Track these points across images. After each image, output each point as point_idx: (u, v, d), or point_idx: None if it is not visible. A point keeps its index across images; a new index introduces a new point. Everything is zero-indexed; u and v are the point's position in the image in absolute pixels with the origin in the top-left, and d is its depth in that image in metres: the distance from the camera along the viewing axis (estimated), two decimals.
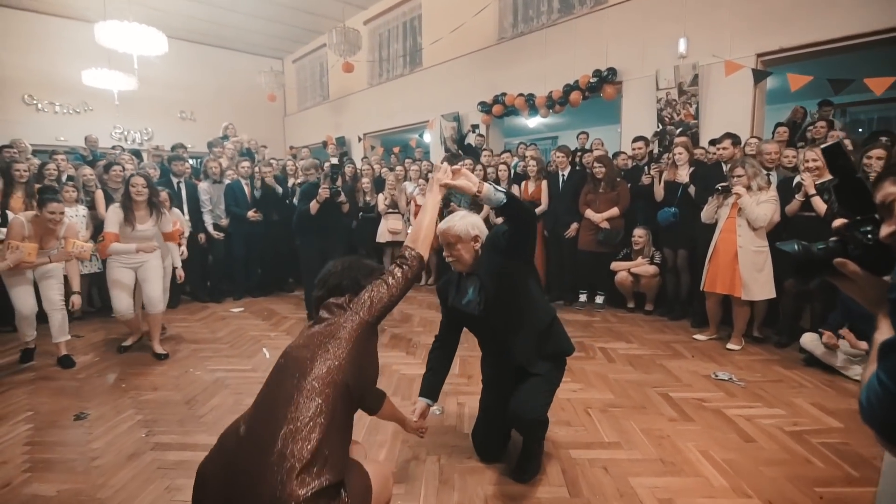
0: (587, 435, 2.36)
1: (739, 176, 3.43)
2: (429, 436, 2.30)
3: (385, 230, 5.83)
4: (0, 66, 8.46)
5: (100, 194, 4.69)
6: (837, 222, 0.97)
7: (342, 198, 4.35)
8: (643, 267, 4.42)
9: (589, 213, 4.64)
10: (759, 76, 4.89)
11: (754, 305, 3.58)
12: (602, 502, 1.84)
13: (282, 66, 12.08)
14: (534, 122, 9.70)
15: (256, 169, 5.58)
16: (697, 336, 3.85)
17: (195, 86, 10.79)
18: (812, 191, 3.30)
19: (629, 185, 4.71)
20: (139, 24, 6.12)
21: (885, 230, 0.85)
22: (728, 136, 4.00)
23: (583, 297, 4.96)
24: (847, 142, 3.75)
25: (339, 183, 4.34)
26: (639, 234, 4.45)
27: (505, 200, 1.64)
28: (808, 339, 3.19)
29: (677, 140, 4.50)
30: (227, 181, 5.47)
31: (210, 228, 5.34)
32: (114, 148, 6.42)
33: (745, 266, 3.40)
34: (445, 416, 2.57)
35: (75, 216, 4.56)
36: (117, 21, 6.04)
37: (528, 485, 1.95)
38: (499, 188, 1.65)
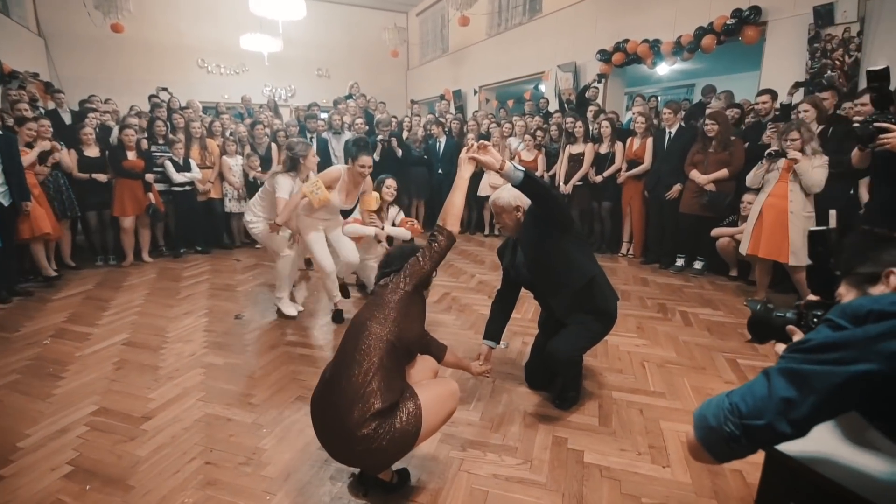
0: (635, 382, 2.55)
1: (794, 140, 3.26)
2: (491, 362, 2.71)
3: (486, 184, 6.13)
4: (181, 34, 10.22)
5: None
6: (808, 297, 1.08)
7: None
8: None
9: (694, 175, 4.40)
10: None
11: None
12: (626, 435, 2.09)
13: (406, 21, 12.55)
14: (665, 69, 8.89)
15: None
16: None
17: (329, 45, 11.79)
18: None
19: (746, 144, 4.33)
20: None
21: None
22: (870, 89, 3.44)
23: (680, 262, 4.80)
24: None
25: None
26: (748, 199, 4.11)
27: (522, 178, 1.83)
28: None
29: (806, 99, 3.96)
30: (349, 134, 6.21)
31: None
32: (260, 107, 7.55)
33: (796, 232, 3.32)
34: (509, 351, 2.95)
35: (235, 166, 5.66)
36: None
37: (564, 411, 2.26)
38: (518, 167, 1.83)
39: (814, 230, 1.09)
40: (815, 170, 3.25)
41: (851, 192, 3.53)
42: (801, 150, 3.28)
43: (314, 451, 1.96)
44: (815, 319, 1.00)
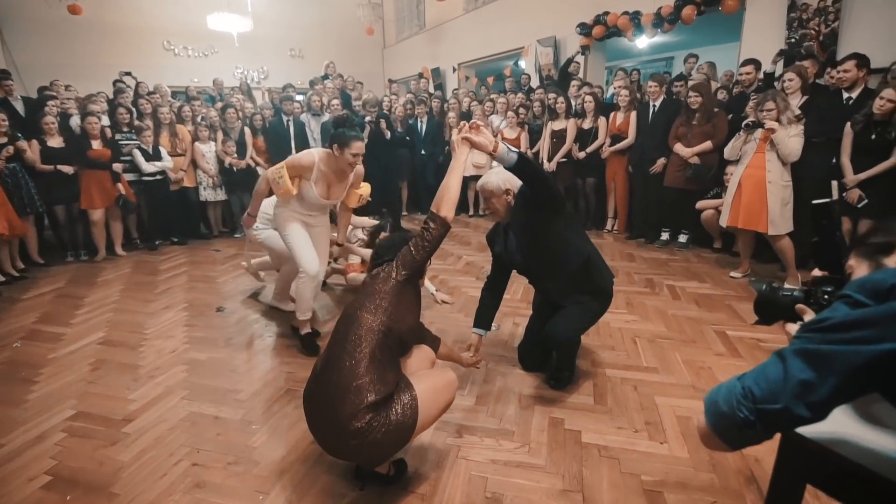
0: (627, 359, 2.54)
1: (770, 110, 3.30)
2: (483, 345, 2.67)
3: (470, 164, 6.02)
4: (144, 14, 9.68)
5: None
6: (814, 272, 1.03)
7: None
8: None
9: (678, 148, 4.38)
10: None
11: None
12: (622, 412, 2.08)
13: None
14: (645, 42, 8.80)
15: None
16: (733, 274, 3.80)
17: (301, 23, 11.31)
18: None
19: (730, 115, 4.31)
20: None
21: None
22: (854, 56, 3.44)
23: (665, 236, 4.82)
24: None
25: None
26: (731, 171, 4.12)
27: (516, 160, 1.79)
28: None
29: (790, 68, 3.92)
30: (327, 115, 6.00)
31: None
32: (232, 90, 7.24)
33: (774, 201, 3.34)
34: (501, 332, 2.91)
35: (208, 152, 5.44)
36: None
37: (559, 391, 2.24)
38: (512, 149, 1.79)
39: (817, 203, 1.03)
40: (792, 139, 3.28)
41: (833, 161, 3.54)
42: (777, 120, 3.29)
43: (307, 446, 1.90)
44: (826, 296, 0.96)
